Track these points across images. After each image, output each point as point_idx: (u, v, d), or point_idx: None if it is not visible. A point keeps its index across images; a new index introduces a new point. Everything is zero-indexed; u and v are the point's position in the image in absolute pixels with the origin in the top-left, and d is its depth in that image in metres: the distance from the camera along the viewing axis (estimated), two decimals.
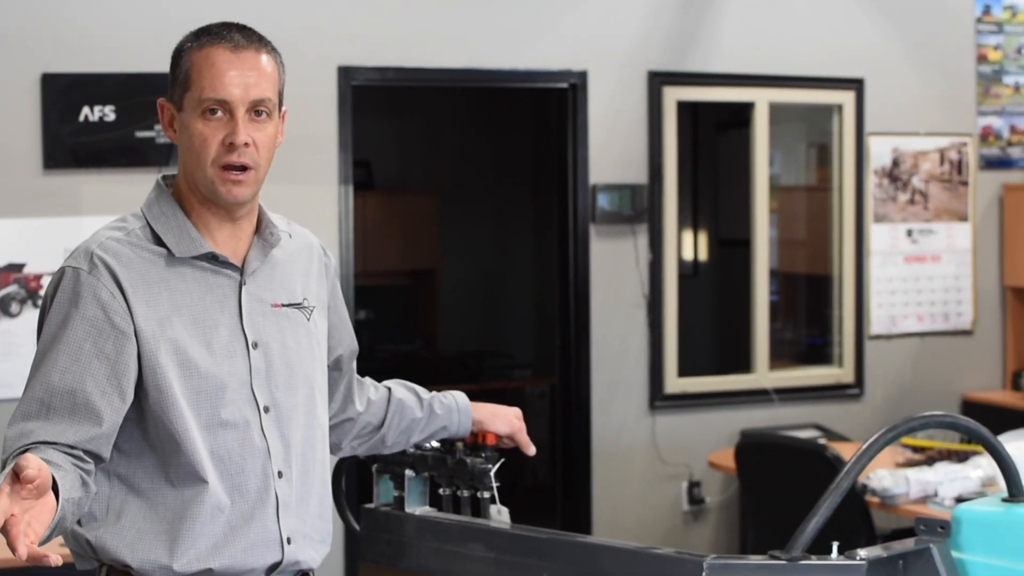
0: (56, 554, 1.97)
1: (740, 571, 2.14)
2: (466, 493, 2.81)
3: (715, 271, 9.60)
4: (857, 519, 5.36)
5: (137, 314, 2.48)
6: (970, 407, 7.56)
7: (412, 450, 2.93)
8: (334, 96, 6.38)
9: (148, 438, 2.51)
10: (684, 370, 7.12)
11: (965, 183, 7.67)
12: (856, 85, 7.40)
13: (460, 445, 2.91)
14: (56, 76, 5.91)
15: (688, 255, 9.32)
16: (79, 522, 2.50)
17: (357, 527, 3.00)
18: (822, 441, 6.20)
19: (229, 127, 2.52)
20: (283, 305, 2.66)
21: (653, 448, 7.03)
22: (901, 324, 7.57)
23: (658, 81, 6.96)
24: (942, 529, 2.14)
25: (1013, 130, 7.79)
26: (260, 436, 2.57)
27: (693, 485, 7.12)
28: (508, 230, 10.22)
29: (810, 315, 8.18)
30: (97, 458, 2.44)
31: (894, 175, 7.49)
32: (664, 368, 7.04)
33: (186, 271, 2.56)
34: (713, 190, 9.53)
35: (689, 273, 8.90)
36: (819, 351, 7.79)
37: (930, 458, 5.72)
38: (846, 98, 7.41)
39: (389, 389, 2.98)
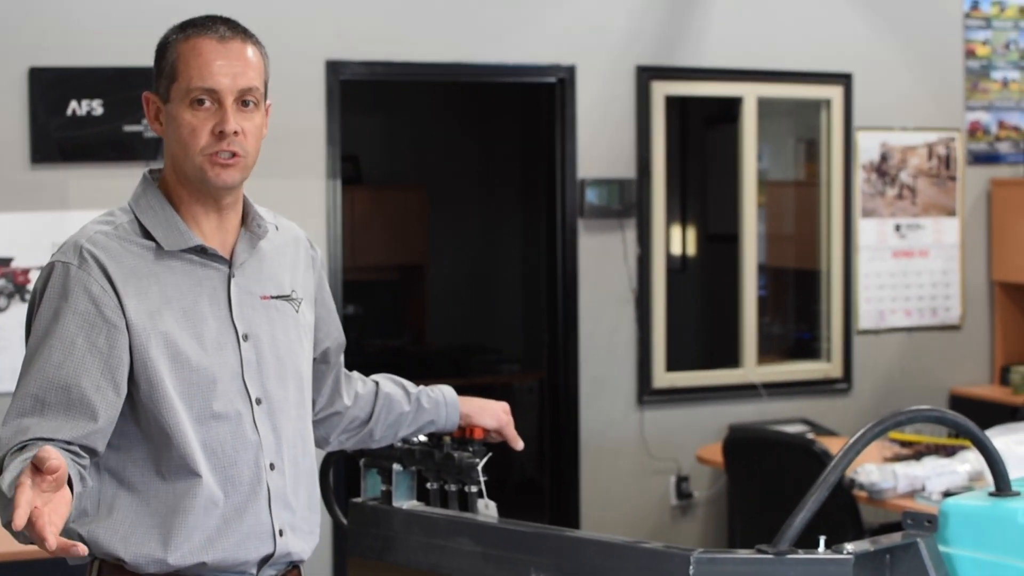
0: (82, 545, 2.01)
1: (727, 565, 2.14)
2: (453, 487, 2.80)
3: (703, 266, 9.60)
4: (845, 514, 5.36)
5: (128, 308, 2.48)
6: (958, 402, 7.57)
7: (400, 444, 2.92)
8: (322, 91, 6.37)
9: (139, 432, 2.51)
10: (672, 365, 7.13)
11: (953, 178, 7.68)
12: (844, 80, 7.41)
13: (448, 439, 2.91)
14: (44, 70, 5.89)
15: (676, 250, 9.32)
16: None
17: (344, 521, 3.00)
18: (810, 436, 6.21)
19: (218, 116, 2.52)
20: (272, 297, 2.66)
21: (641, 443, 7.04)
22: (889, 319, 7.58)
23: (646, 76, 6.96)
24: (929, 523, 2.14)
25: (1001, 125, 7.80)
26: (252, 428, 2.57)
27: (681, 480, 7.13)
28: (496, 225, 10.22)
29: (798, 310, 8.19)
30: (93, 453, 2.44)
31: (882, 170, 7.50)
32: (652, 363, 7.04)
33: (175, 264, 2.56)
34: (701, 185, 9.53)
35: (677, 268, 8.90)
36: (807, 346, 7.79)
37: (918, 453, 5.73)
38: (834, 93, 7.42)
39: (377, 383, 2.98)
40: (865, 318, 7.52)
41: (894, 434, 5.83)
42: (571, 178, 6.84)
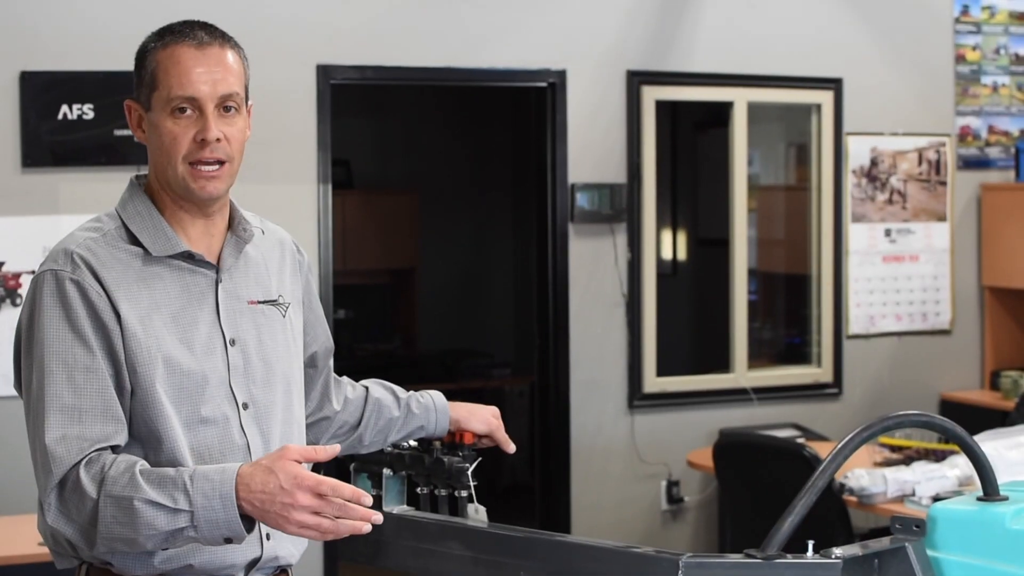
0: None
1: (716, 569, 2.14)
2: (444, 492, 2.80)
3: (694, 270, 9.61)
4: (835, 518, 5.37)
5: (121, 312, 2.48)
6: (948, 407, 7.58)
7: (389, 449, 2.92)
8: (313, 95, 6.37)
9: (130, 435, 2.50)
10: (663, 369, 7.13)
11: (943, 183, 7.69)
12: (835, 85, 7.42)
13: (438, 444, 2.91)
14: (35, 74, 5.89)
15: (667, 254, 9.34)
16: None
17: None
18: (800, 440, 6.21)
19: (199, 124, 2.52)
20: (259, 302, 2.66)
21: (632, 447, 7.04)
22: (879, 324, 7.59)
23: (637, 80, 6.96)
24: (917, 528, 2.14)
25: (991, 130, 7.82)
26: (240, 432, 2.57)
27: (672, 484, 7.13)
28: (487, 229, 10.22)
29: (789, 314, 8.20)
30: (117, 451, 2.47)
31: (872, 175, 7.51)
32: (643, 367, 7.04)
33: (163, 270, 2.56)
34: (692, 189, 9.54)
35: (668, 272, 8.91)
36: (797, 350, 7.80)
37: (908, 457, 5.74)
38: (825, 98, 7.43)
39: (366, 388, 2.98)
40: (855, 323, 7.53)
41: (884, 439, 5.84)
42: (562, 182, 6.85)
